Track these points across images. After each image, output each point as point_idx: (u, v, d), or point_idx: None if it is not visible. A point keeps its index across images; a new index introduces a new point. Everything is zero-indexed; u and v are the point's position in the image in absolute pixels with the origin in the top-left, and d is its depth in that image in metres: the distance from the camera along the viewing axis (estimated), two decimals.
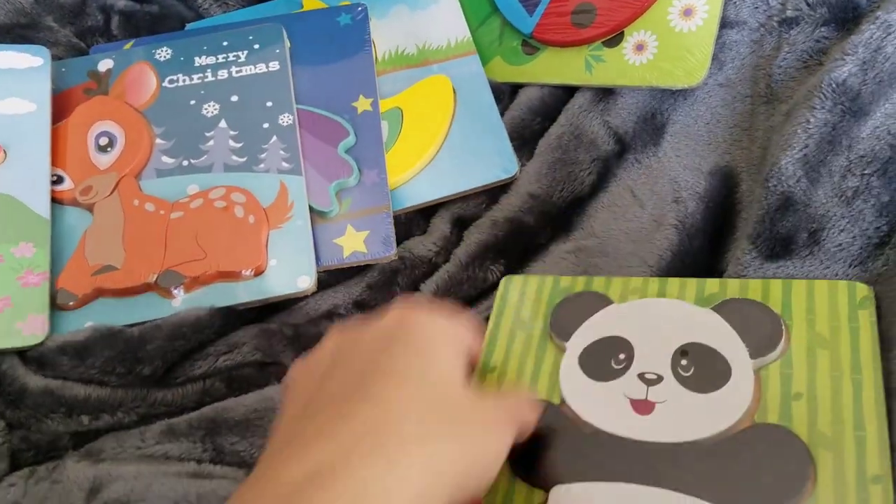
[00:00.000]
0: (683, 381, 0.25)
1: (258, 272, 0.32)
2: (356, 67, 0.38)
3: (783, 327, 0.26)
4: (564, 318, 0.28)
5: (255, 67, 0.37)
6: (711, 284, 0.28)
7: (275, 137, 0.35)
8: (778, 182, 0.30)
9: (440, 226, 0.35)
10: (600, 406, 0.25)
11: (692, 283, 0.28)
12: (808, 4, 0.33)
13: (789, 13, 0.34)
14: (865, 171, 0.29)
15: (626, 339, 0.26)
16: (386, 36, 0.39)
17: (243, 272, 0.32)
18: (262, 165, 0.35)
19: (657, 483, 0.23)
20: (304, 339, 0.32)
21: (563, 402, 0.26)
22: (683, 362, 0.25)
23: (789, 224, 0.29)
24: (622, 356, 0.26)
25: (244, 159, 0.35)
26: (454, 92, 0.37)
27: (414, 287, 0.34)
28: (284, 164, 0.35)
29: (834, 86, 0.30)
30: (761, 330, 0.26)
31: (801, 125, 0.30)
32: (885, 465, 0.22)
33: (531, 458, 0.24)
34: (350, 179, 0.35)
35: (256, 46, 0.38)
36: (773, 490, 0.22)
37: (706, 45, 0.34)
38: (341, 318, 0.33)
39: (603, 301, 0.28)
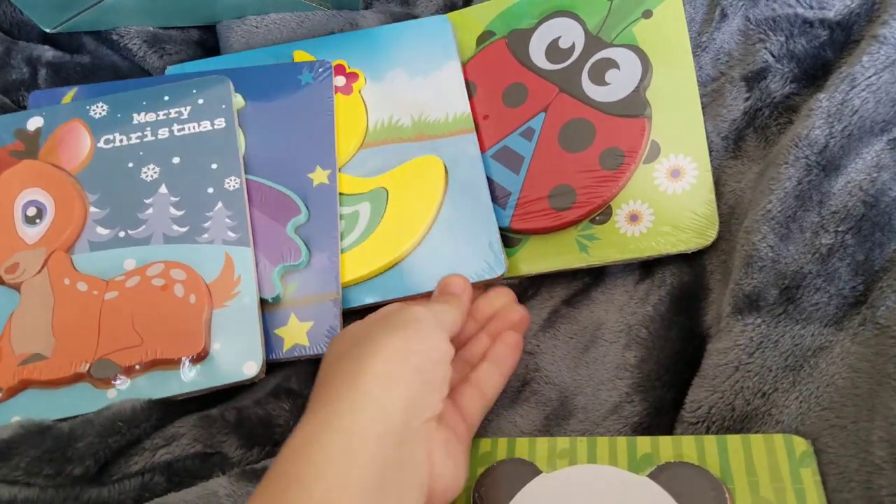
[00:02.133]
0: None
1: (200, 359, 0.30)
2: (315, 134, 0.35)
3: (727, 496, 0.24)
4: (489, 496, 0.25)
5: (199, 125, 0.35)
6: (643, 444, 0.26)
7: (220, 204, 0.33)
8: (745, 240, 0.29)
9: None
10: None
11: (623, 443, 0.26)
12: (773, 57, 0.32)
13: (757, 67, 0.33)
14: (839, 229, 0.28)
15: None
16: (379, 102, 0.36)
17: (183, 359, 0.29)
18: (205, 235, 0.32)
19: None
20: (249, 424, 0.29)
21: None
22: None
23: (755, 280, 0.28)
24: None
25: (186, 229, 0.32)
26: (446, 174, 0.34)
27: None
28: (230, 234, 0.32)
29: (797, 140, 0.29)
30: (705, 501, 0.24)
31: (767, 184, 0.29)
32: None
33: None
34: (298, 263, 0.32)
35: (201, 101, 0.35)
36: None
37: (708, 202, 0.31)
38: (294, 394, 0.31)
39: (530, 471, 0.26)
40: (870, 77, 0.29)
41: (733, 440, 0.25)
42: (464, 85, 0.36)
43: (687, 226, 0.32)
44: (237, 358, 0.30)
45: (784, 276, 0.28)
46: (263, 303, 0.31)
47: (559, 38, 0.36)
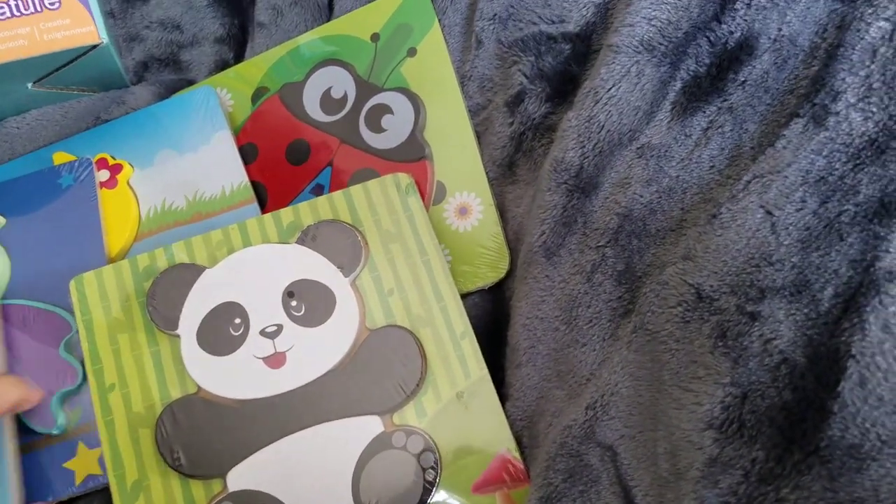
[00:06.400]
0: (300, 321, 0.26)
1: None
2: (82, 238, 0.32)
3: (360, 238, 0.28)
4: (163, 305, 0.27)
5: None
6: (286, 214, 0.29)
7: None
8: (524, 272, 0.29)
9: None
10: (236, 377, 0.26)
11: (269, 219, 0.29)
12: (527, 78, 0.32)
13: (515, 90, 0.32)
14: (599, 244, 0.29)
15: (234, 301, 0.27)
16: (150, 189, 0.33)
17: None
18: None
19: (311, 423, 0.25)
20: None
21: (199, 389, 0.26)
22: (293, 303, 0.27)
23: (540, 312, 0.28)
24: (238, 321, 0.27)
25: None
26: None
27: None
28: None
29: (555, 164, 0.29)
30: (345, 247, 0.28)
31: (537, 212, 0.29)
32: (465, 322, 0.28)
33: (196, 455, 0.25)
34: (77, 386, 0.30)
35: None
36: (401, 379, 0.26)
37: (495, 235, 0.32)
38: None
39: (195, 271, 0.28)
40: (610, 90, 0.29)
41: (356, 190, 0.29)
42: (237, 155, 0.34)
43: (482, 262, 0.32)
44: None
45: (560, 301, 0.28)
46: (48, 436, 0.29)
47: (331, 87, 0.35)
